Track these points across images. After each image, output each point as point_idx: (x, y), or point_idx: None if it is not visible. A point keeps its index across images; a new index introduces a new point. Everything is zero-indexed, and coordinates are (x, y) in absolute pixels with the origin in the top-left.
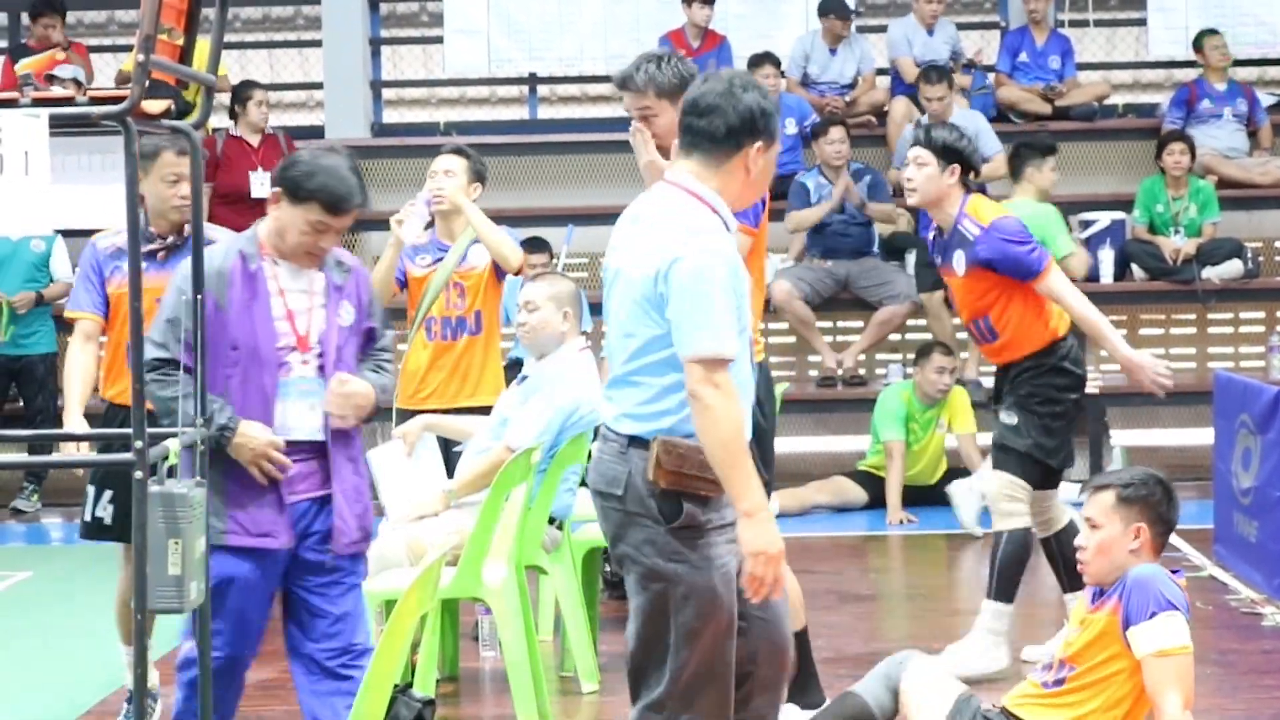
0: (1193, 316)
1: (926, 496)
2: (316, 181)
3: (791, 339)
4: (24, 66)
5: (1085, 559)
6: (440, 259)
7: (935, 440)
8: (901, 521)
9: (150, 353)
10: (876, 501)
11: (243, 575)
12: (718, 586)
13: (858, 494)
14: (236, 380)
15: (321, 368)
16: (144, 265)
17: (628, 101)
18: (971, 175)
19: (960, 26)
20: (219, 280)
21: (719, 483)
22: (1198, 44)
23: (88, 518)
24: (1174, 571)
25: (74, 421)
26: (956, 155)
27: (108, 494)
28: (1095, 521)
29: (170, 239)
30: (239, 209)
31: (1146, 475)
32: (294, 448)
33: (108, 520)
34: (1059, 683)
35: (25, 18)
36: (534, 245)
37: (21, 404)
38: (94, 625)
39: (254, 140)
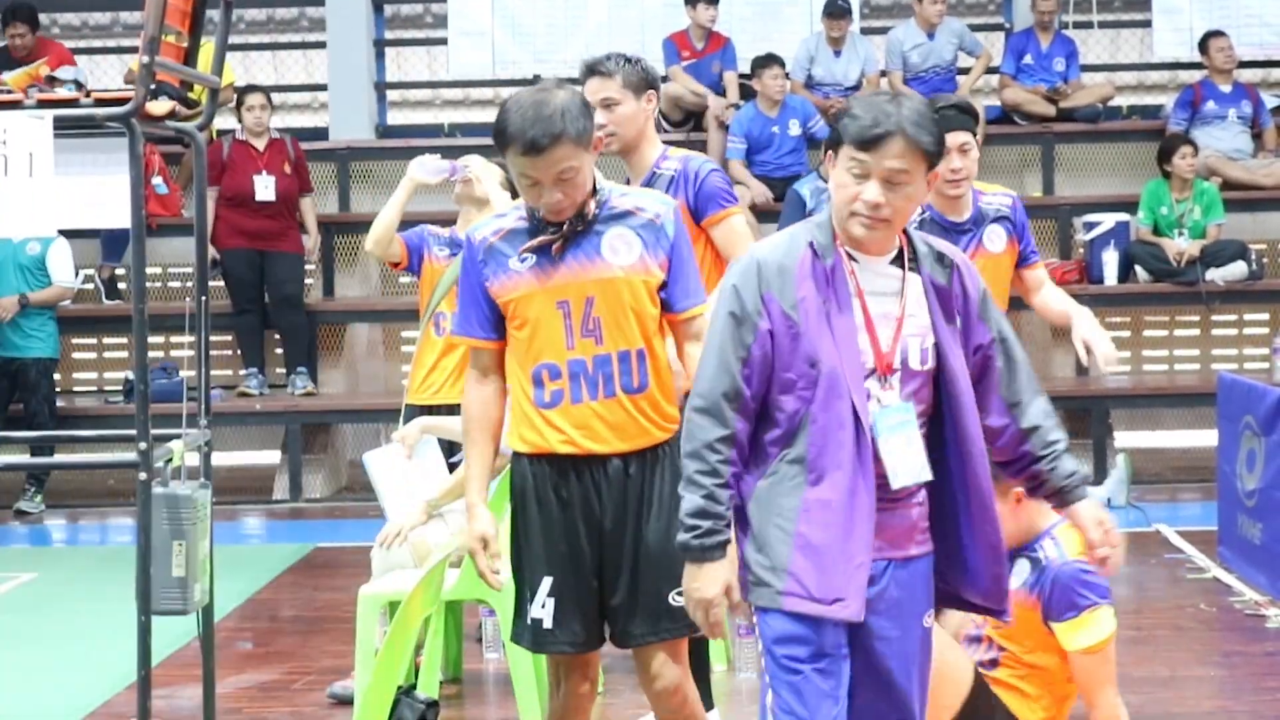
0: (1196, 318)
1: None
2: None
3: None
4: (12, 81)
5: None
6: (457, 253)
7: None
8: None
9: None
10: None
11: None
12: None
13: None
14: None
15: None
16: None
17: (592, 87)
18: None
19: None
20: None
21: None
22: (1203, 46)
23: None
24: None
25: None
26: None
27: None
28: None
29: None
30: (242, 212)
31: None
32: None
33: None
34: (993, 663)
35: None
36: None
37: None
38: (98, 627)
39: (259, 144)
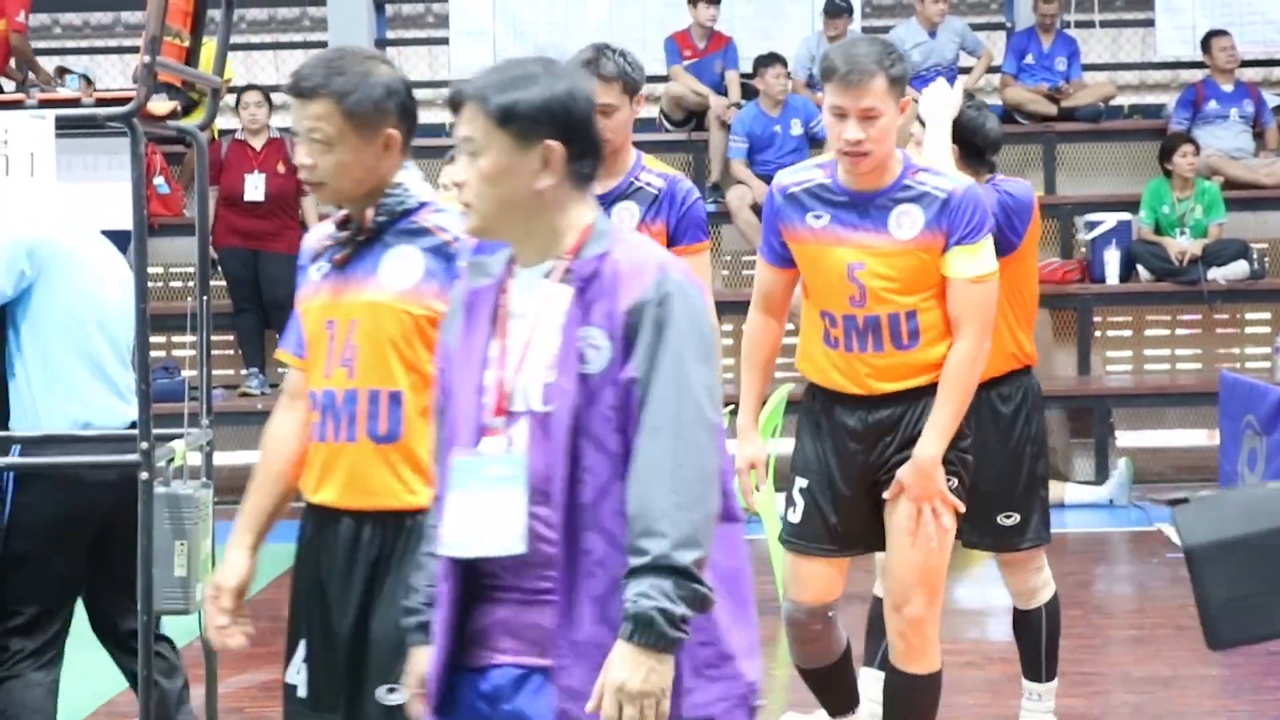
0: (1198, 317)
1: None
2: None
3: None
4: None
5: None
6: None
7: None
8: None
9: None
10: None
11: None
12: None
13: None
14: None
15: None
16: None
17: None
18: None
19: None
20: None
21: None
22: (1206, 44)
23: None
24: None
25: None
26: None
27: None
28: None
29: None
30: (236, 211)
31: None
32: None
33: None
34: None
35: None
36: None
37: None
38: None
39: (257, 143)
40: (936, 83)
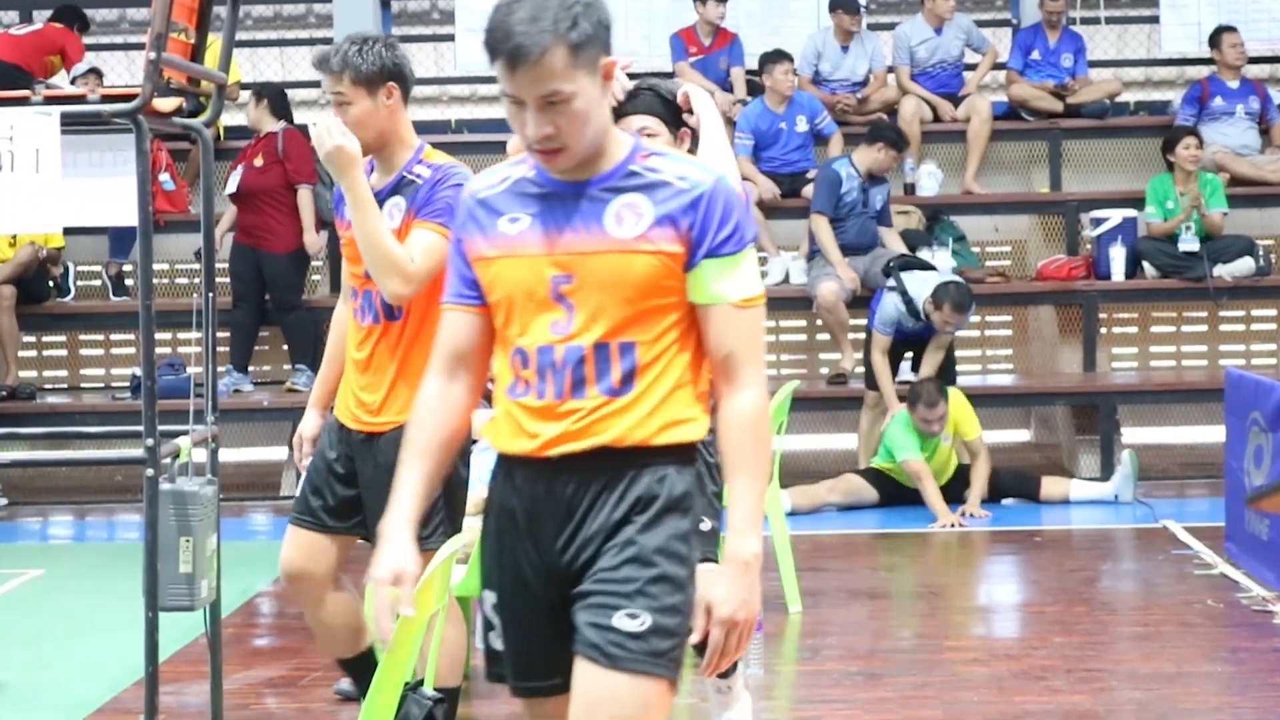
0: (1204, 314)
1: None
2: None
3: (802, 337)
4: None
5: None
6: None
7: (942, 450)
8: (954, 525)
9: None
10: (888, 499)
11: None
12: None
13: (869, 492)
14: None
15: None
16: None
17: (325, 84)
18: None
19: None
20: None
21: None
22: (1214, 41)
23: None
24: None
25: None
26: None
27: None
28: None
29: None
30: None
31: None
32: None
33: None
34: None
35: None
36: None
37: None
38: (105, 623)
39: (250, 140)
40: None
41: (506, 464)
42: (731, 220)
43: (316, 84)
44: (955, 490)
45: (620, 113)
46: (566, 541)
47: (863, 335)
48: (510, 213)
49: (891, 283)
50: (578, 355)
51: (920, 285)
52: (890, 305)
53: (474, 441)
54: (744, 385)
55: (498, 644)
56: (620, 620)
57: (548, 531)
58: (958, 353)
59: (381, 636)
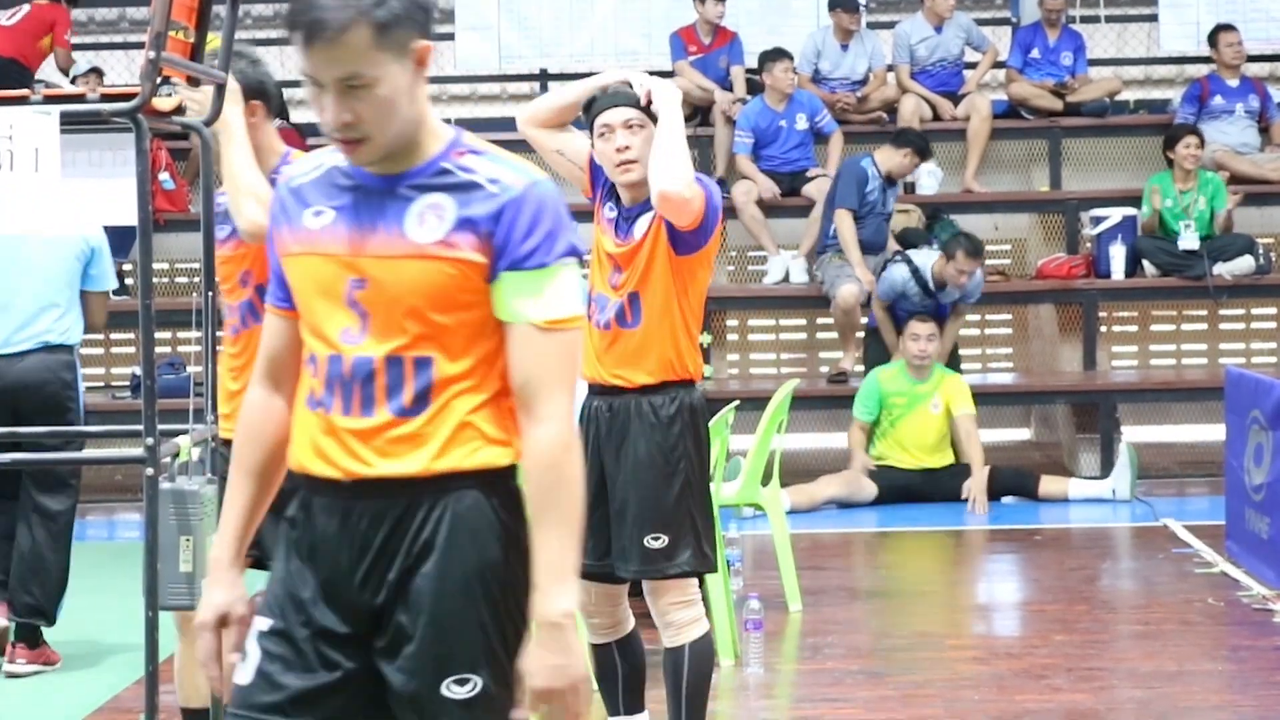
0: (1204, 312)
1: (938, 485)
2: None
3: (802, 335)
4: None
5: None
6: None
7: (932, 420)
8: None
9: None
10: (886, 494)
11: None
12: None
13: (868, 486)
14: None
15: None
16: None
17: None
18: None
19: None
20: None
21: None
22: (1212, 40)
23: None
24: None
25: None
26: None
27: None
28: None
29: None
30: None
31: None
32: None
33: None
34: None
35: None
36: None
37: None
38: (105, 622)
39: None
40: (654, 79)
41: (305, 484)
42: (540, 230)
43: None
44: (952, 487)
45: (600, 107)
46: (364, 577)
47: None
48: (316, 205)
49: (898, 257)
50: (367, 368)
51: (925, 258)
52: (896, 275)
53: None
54: (541, 418)
55: (244, 677)
56: (448, 689)
57: (342, 563)
58: (959, 351)
59: (215, 687)
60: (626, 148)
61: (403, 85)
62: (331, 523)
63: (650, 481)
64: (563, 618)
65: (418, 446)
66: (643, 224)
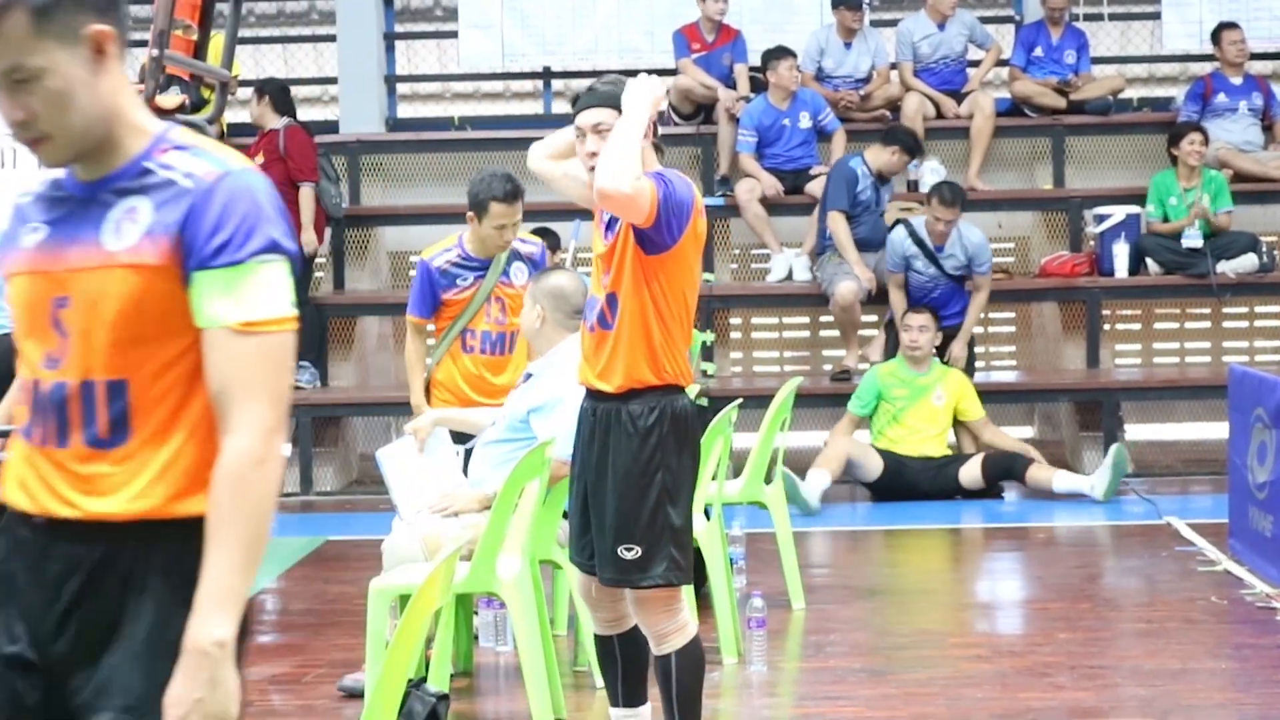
0: (1207, 311)
1: (940, 483)
2: None
3: (805, 333)
4: None
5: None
6: (481, 276)
7: (935, 411)
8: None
9: None
10: (888, 476)
11: None
12: None
13: (874, 459)
14: None
15: None
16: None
17: None
18: None
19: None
20: None
21: None
22: (1215, 38)
23: None
24: None
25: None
26: None
27: None
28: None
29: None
30: None
31: None
32: None
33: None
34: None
35: None
36: (540, 237)
37: None
38: None
39: (254, 137)
40: (642, 77)
41: (8, 516)
42: (230, 224)
43: (320, 80)
44: (947, 486)
45: (578, 108)
46: (57, 626)
47: (871, 333)
48: (33, 221)
49: (899, 225)
50: (62, 394)
51: (922, 219)
52: (898, 239)
53: (471, 438)
54: (232, 428)
55: None
56: None
57: (35, 607)
58: None
59: None
60: (593, 153)
61: (78, 76)
62: (25, 563)
63: (624, 493)
64: (214, 646)
65: (119, 485)
66: (618, 224)
